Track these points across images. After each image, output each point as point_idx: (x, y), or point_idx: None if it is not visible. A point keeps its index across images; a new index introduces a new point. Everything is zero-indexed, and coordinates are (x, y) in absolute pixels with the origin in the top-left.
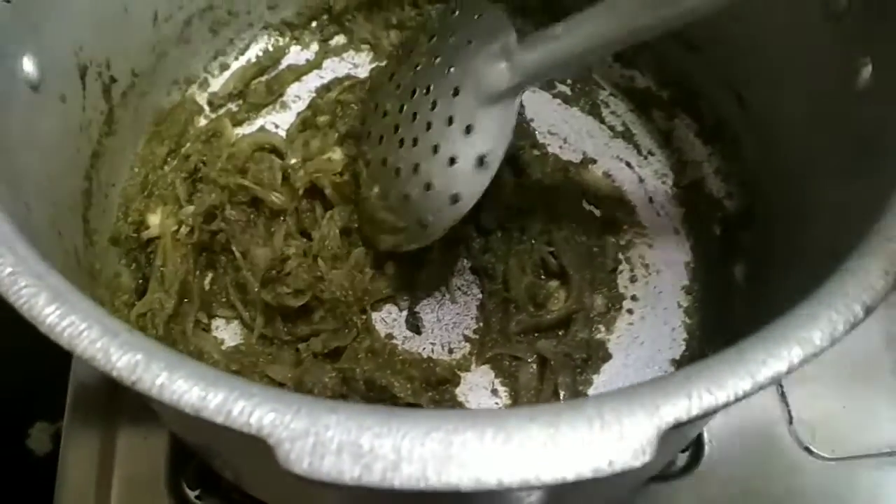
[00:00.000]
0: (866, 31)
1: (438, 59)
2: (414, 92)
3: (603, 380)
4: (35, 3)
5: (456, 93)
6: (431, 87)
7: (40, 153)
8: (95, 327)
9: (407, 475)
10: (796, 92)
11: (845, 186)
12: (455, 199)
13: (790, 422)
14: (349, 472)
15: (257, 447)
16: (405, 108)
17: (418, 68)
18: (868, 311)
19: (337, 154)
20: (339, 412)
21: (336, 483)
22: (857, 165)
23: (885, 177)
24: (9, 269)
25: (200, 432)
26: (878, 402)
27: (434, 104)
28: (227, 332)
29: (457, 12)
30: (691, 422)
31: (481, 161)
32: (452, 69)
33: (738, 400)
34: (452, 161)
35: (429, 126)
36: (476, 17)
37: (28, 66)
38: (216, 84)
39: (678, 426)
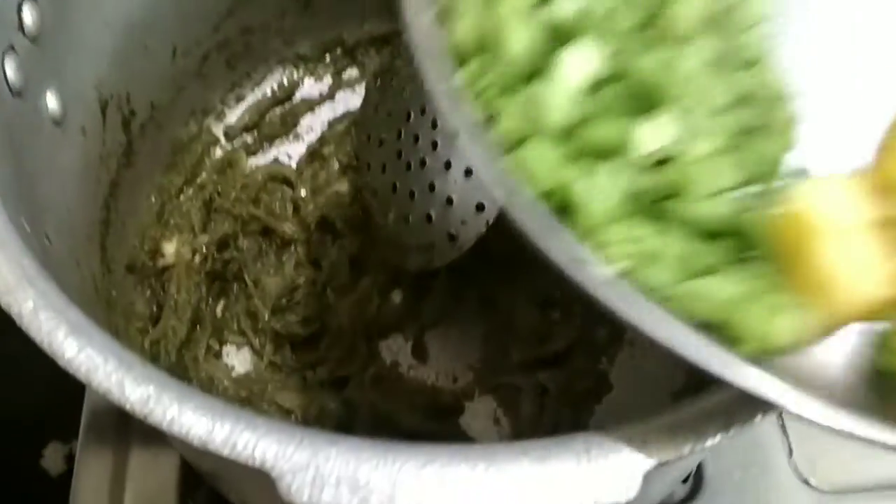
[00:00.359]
0: None
1: None
2: (409, 115)
3: (604, 410)
4: (59, 42)
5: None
6: (427, 107)
7: (61, 185)
8: (111, 360)
9: None
10: None
11: None
12: (480, 207)
13: (790, 454)
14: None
15: (261, 477)
16: (403, 131)
17: (406, 92)
18: None
19: (344, 185)
20: (339, 445)
21: None
22: None
23: None
24: (30, 304)
25: (209, 460)
26: None
27: (434, 122)
28: (238, 359)
29: None
30: (677, 460)
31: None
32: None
33: (724, 438)
34: (469, 172)
35: (434, 145)
36: None
37: (51, 101)
38: (232, 116)
39: (664, 465)
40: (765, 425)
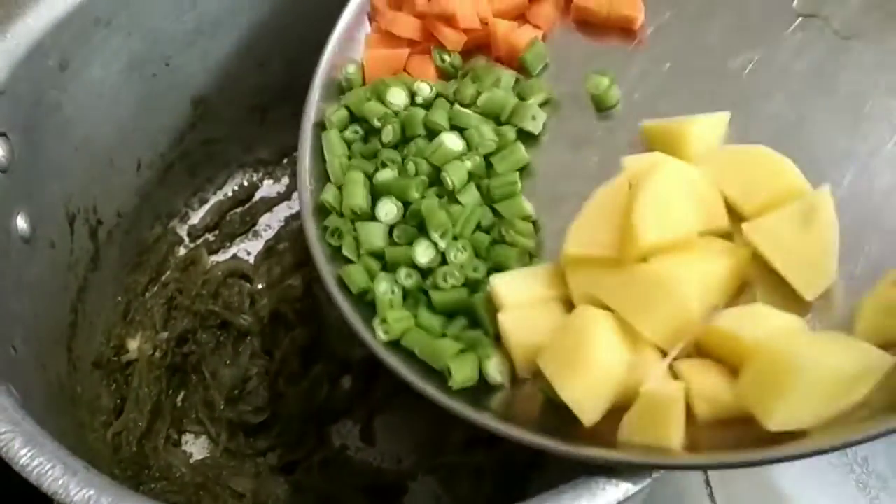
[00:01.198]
0: None
1: None
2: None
3: (542, 478)
4: (29, 169)
5: None
6: None
7: (30, 296)
8: (58, 467)
9: None
10: None
11: None
12: None
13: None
14: None
15: None
16: None
17: None
18: None
19: (297, 279)
20: None
21: None
22: None
23: None
24: None
25: None
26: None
27: None
28: (196, 447)
29: None
30: None
31: None
32: None
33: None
34: None
35: None
36: None
37: (21, 222)
38: (195, 217)
39: None
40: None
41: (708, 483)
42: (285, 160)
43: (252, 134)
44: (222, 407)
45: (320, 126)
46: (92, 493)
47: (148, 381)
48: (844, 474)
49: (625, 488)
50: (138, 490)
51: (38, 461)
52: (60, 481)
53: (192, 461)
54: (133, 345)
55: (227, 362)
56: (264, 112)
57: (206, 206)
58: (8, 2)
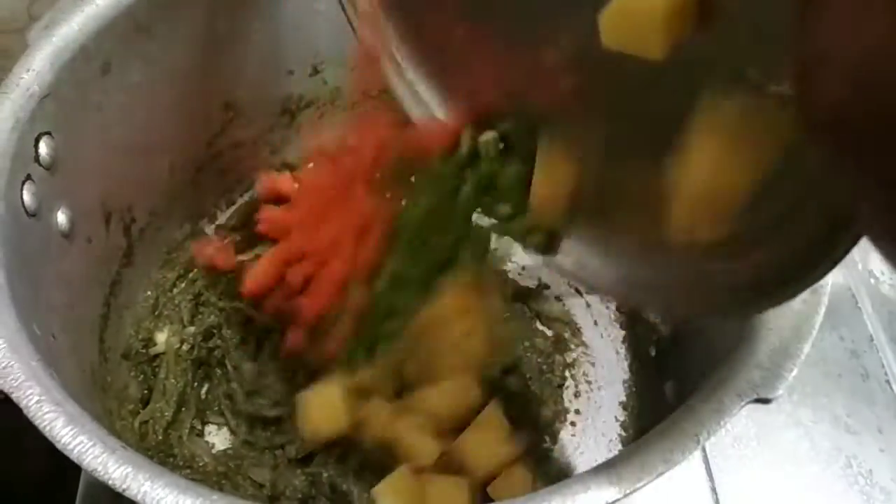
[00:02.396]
0: None
1: None
2: None
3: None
4: (70, 168)
5: None
6: None
7: (67, 289)
8: (98, 446)
9: None
10: None
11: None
12: None
13: None
14: None
15: None
16: None
17: None
18: (699, 443)
19: None
20: None
21: None
22: None
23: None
24: (36, 399)
25: None
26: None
27: None
28: (219, 438)
29: None
30: None
31: None
32: None
33: None
34: None
35: None
36: None
37: (62, 218)
38: (223, 217)
39: None
40: (698, 499)
41: (714, 491)
42: (311, 164)
43: (280, 137)
44: (242, 400)
45: None
46: (129, 470)
47: (175, 373)
48: (849, 485)
49: None
50: None
51: (80, 440)
52: (100, 459)
53: (214, 451)
54: (161, 338)
55: (250, 357)
56: (292, 117)
57: (234, 207)
58: (53, 6)
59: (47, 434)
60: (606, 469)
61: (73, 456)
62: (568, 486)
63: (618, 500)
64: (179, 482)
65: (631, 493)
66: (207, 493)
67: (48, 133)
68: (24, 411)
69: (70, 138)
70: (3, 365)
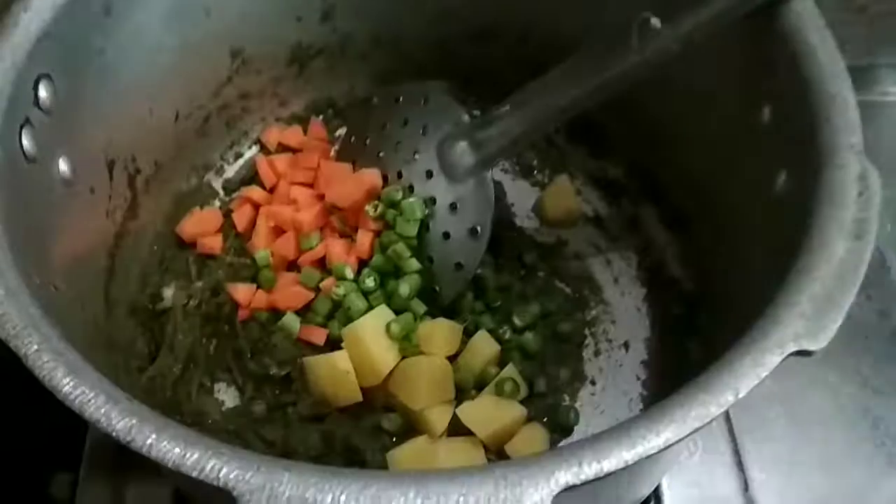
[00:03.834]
0: (782, 147)
1: (399, 146)
2: (385, 179)
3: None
4: (71, 113)
5: (429, 175)
6: (403, 173)
7: (70, 239)
8: (101, 396)
9: None
10: (736, 192)
11: (769, 280)
12: (458, 266)
13: (745, 489)
14: None
15: (227, 497)
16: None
17: (381, 155)
18: (737, 396)
19: None
20: (291, 470)
21: None
22: (777, 262)
23: (795, 278)
24: (35, 347)
25: (186, 483)
26: (833, 471)
27: (411, 188)
28: (228, 395)
29: (400, 98)
30: (583, 485)
31: (473, 232)
32: (417, 154)
33: (627, 466)
34: (446, 235)
35: (411, 188)
36: (422, 101)
37: (63, 165)
38: (230, 171)
39: (570, 489)
40: (720, 461)
41: (741, 467)
42: (320, 116)
43: (288, 88)
44: (249, 357)
45: None
46: (134, 421)
47: (183, 329)
48: (875, 447)
49: None
50: None
51: (81, 390)
52: (103, 410)
53: (223, 409)
54: (168, 293)
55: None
56: (301, 67)
57: (241, 161)
58: None
59: (47, 383)
60: (637, 423)
61: (75, 406)
62: (599, 440)
63: (651, 454)
64: (187, 434)
65: (664, 448)
66: (216, 446)
67: (47, 76)
68: (23, 360)
69: (71, 82)
70: (1, 312)
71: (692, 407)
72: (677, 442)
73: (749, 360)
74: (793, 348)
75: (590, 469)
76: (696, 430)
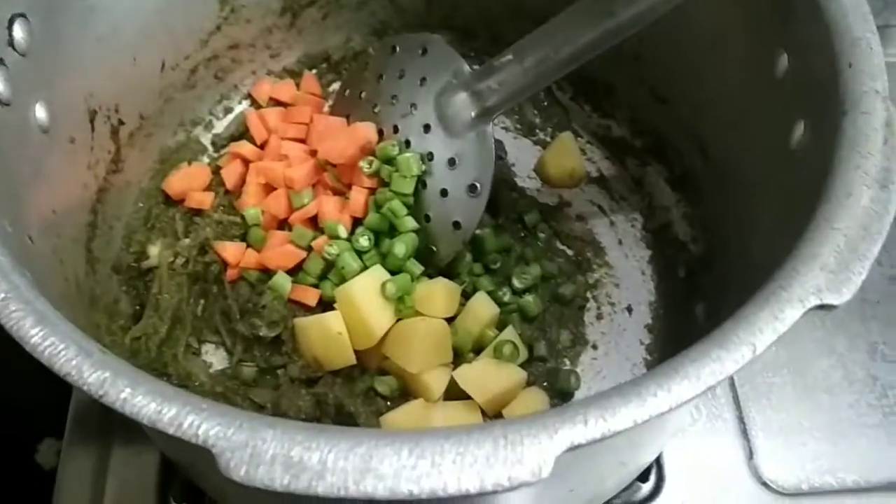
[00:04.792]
0: (800, 97)
1: (396, 98)
2: (381, 133)
3: None
4: (49, 56)
5: (427, 129)
6: (399, 127)
7: (48, 189)
8: (72, 348)
9: (330, 484)
10: (749, 147)
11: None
12: (457, 225)
13: (750, 457)
14: (280, 479)
15: (206, 456)
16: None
17: (376, 109)
18: (755, 353)
19: None
20: (276, 427)
21: (268, 489)
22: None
23: (815, 230)
24: (1, 296)
25: (165, 444)
26: (840, 439)
27: (407, 143)
28: (216, 357)
29: (397, 48)
30: (589, 444)
31: (472, 188)
32: (414, 108)
33: (635, 426)
34: (444, 193)
35: (408, 143)
36: (420, 52)
37: (40, 112)
38: (220, 126)
39: (575, 448)
40: (725, 429)
41: (745, 435)
42: (313, 70)
43: (280, 40)
44: (238, 319)
45: None
46: (107, 375)
47: (168, 288)
48: (884, 415)
49: None
50: None
51: (51, 340)
52: (74, 362)
53: (211, 370)
54: (153, 251)
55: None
56: (294, 16)
57: (231, 116)
58: None
59: (14, 334)
60: (647, 380)
61: (44, 359)
62: (606, 397)
63: (662, 413)
64: (165, 390)
65: (676, 407)
66: (196, 402)
67: (22, 15)
68: None
69: (48, 23)
70: None
71: (706, 363)
72: (691, 400)
73: (767, 314)
74: (814, 302)
75: (596, 427)
76: (710, 388)
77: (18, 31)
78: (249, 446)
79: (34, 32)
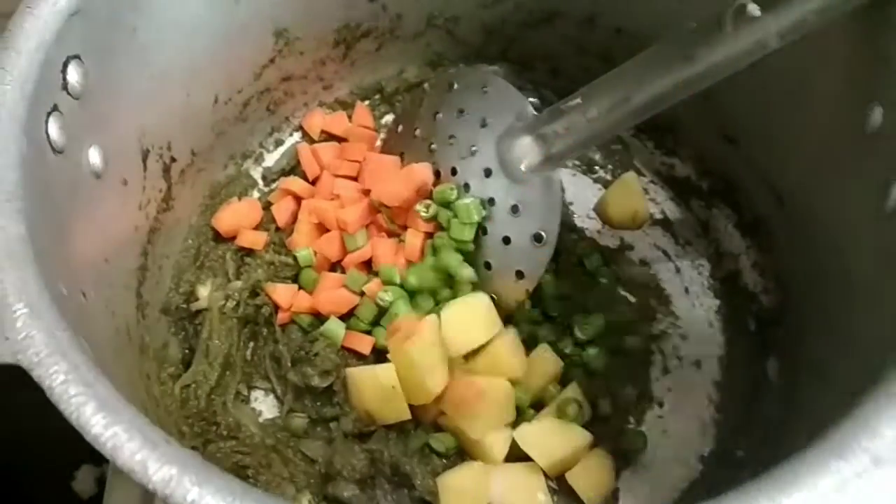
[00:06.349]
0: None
1: (455, 139)
2: (437, 174)
3: (627, 474)
4: (103, 98)
5: (488, 174)
6: (458, 169)
7: (100, 238)
8: (137, 439)
9: None
10: (834, 200)
11: (878, 301)
12: (520, 274)
13: None
14: None
15: None
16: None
17: (433, 147)
18: (877, 462)
19: None
20: None
21: None
22: (885, 280)
23: None
24: (61, 378)
25: None
26: None
27: (467, 186)
28: (265, 405)
29: (455, 84)
30: None
31: (538, 238)
32: (475, 149)
33: None
34: (507, 240)
35: (467, 186)
36: (481, 89)
37: (94, 156)
38: (270, 159)
39: None
40: None
41: None
42: (366, 102)
43: (333, 72)
44: (290, 365)
45: None
46: (174, 471)
47: (219, 333)
48: None
49: None
50: (207, 449)
51: (113, 431)
52: (138, 456)
53: (261, 420)
54: (203, 292)
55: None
56: (347, 48)
57: (282, 148)
58: None
59: (74, 422)
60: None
61: (107, 451)
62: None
63: None
64: (234, 487)
65: None
66: (265, 500)
67: (77, 57)
68: (47, 393)
69: (102, 64)
70: (23, 335)
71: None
72: None
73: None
74: None
75: None
76: None
77: (73, 74)
78: None
79: (88, 74)
